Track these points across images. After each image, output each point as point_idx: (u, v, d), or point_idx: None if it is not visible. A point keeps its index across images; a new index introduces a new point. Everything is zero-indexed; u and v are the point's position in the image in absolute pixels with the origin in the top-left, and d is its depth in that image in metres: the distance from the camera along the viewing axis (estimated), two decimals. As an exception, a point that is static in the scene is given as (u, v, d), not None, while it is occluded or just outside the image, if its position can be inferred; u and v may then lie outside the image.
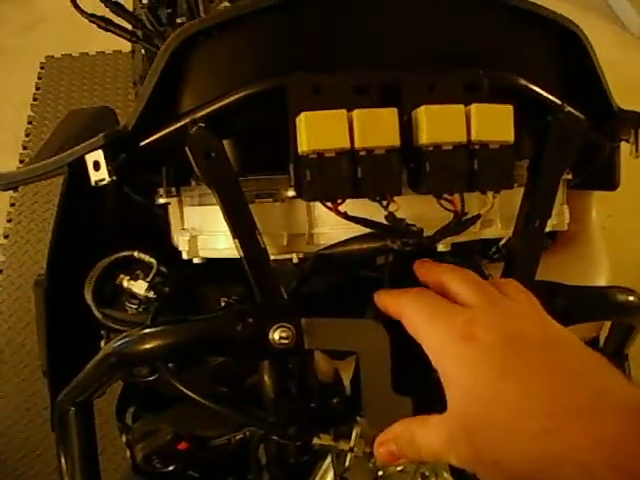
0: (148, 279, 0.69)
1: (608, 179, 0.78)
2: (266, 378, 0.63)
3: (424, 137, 0.55)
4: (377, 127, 0.54)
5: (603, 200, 0.85)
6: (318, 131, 0.53)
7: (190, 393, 0.62)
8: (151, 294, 0.69)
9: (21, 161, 2.54)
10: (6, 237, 2.35)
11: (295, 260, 0.62)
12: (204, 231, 0.65)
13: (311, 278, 0.63)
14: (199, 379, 0.68)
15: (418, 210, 0.59)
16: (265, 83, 0.57)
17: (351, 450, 0.61)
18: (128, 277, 0.70)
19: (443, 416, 0.50)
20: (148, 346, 0.60)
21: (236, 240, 0.58)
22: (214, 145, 0.58)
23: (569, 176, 0.71)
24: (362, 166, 0.54)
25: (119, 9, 1.39)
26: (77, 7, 1.38)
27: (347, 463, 0.63)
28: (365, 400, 0.58)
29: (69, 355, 0.73)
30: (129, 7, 1.56)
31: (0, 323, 2.13)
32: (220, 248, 0.64)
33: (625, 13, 3.28)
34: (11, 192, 2.42)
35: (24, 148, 2.61)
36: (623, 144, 0.74)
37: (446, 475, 0.67)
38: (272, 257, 0.60)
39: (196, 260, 0.66)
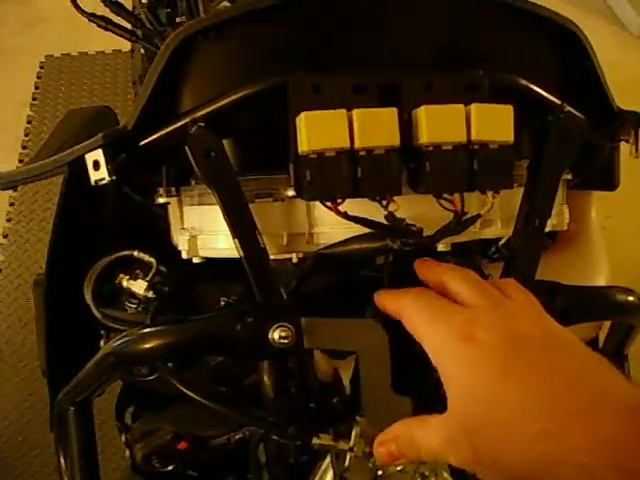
0: (147, 279, 0.69)
1: (608, 179, 0.78)
2: (266, 378, 0.63)
3: (424, 137, 0.55)
4: (377, 127, 0.54)
5: (602, 200, 0.85)
6: (318, 131, 0.53)
7: (190, 393, 0.61)
8: (150, 294, 0.69)
9: (20, 160, 2.54)
10: (5, 237, 2.35)
11: (295, 260, 0.62)
12: (204, 231, 0.65)
13: (311, 278, 0.63)
14: (199, 379, 0.68)
15: (418, 210, 0.59)
16: (265, 83, 0.57)
17: (351, 450, 0.61)
18: (127, 277, 0.70)
19: (443, 416, 0.50)
20: (147, 346, 0.60)
21: (236, 240, 0.58)
22: (214, 144, 0.58)
23: (569, 176, 0.71)
24: (362, 166, 0.54)
25: (119, 9, 1.39)
26: (77, 7, 1.39)
27: (347, 463, 0.63)
28: (365, 400, 0.58)
29: (68, 355, 0.73)
30: (129, 7, 1.56)
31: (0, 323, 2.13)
32: (220, 248, 0.64)
33: (625, 14, 3.28)
34: (10, 191, 2.42)
35: (23, 148, 2.61)
36: (623, 144, 0.74)
37: (445, 475, 0.67)
38: (272, 257, 0.59)
39: (196, 260, 0.66)
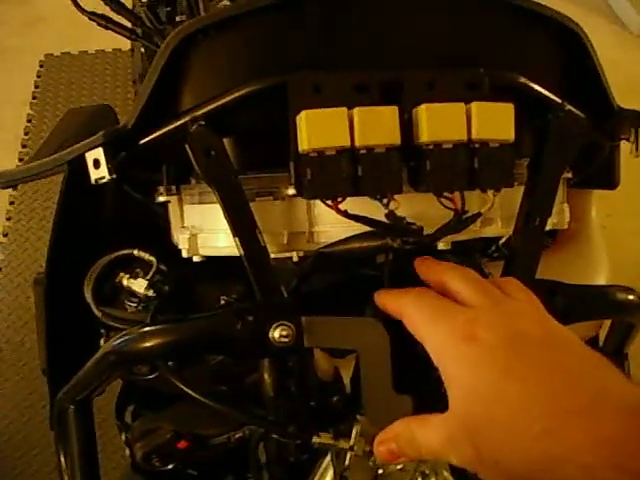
0: (148, 277, 0.69)
1: (608, 178, 0.78)
2: (266, 376, 0.63)
3: (424, 135, 0.55)
4: (377, 125, 0.54)
5: (603, 199, 0.85)
6: (318, 129, 0.53)
7: (190, 391, 0.61)
8: (151, 292, 0.69)
9: (20, 159, 2.54)
10: (5, 235, 2.35)
11: (295, 258, 0.62)
12: (204, 229, 0.65)
13: (311, 276, 0.63)
14: (199, 377, 0.68)
15: (418, 208, 0.59)
16: (265, 81, 0.57)
17: (351, 449, 0.61)
18: (128, 275, 0.70)
19: (444, 416, 0.50)
20: (148, 344, 0.60)
21: (236, 238, 0.58)
22: (214, 143, 0.58)
23: (569, 175, 0.71)
24: (362, 164, 0.54)
25: (119, 7, 1.39)
26: (77, 5, 1.38)
27: (347, 462, 0.63)
28: (365, 398, 0.58)
29: (68, 353, 0.73)
30: (129, 5, 1.56)
31: (-1, 321, 2.13)
32: (220, 246, 0.64)
33: (625, 13, 3.28)
34: (10, 190, 2.42)
35: (23, 147, 2.61)
36: (623, 143, 0.74)
37: (446, 474, 0.67)
38: (272, 255, 0.59)
39: (196, 258, 0.66)
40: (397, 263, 0.61)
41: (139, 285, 0.69)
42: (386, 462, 0.60)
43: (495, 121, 0.56)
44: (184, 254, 0.67)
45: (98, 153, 0.60)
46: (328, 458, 0.68)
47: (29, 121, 2.72)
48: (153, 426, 0.79)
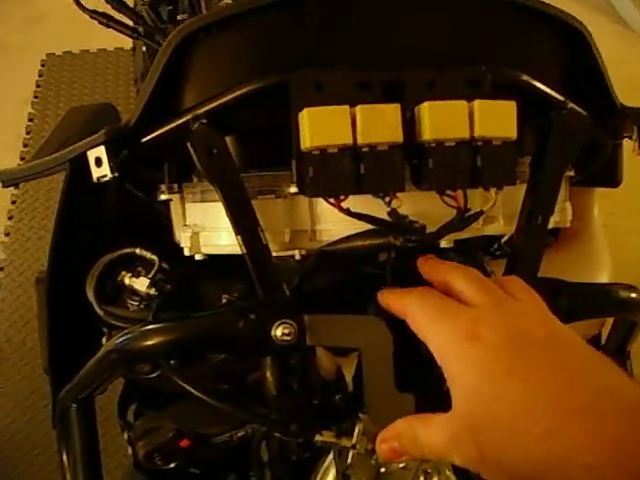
0: (150, 276, 0.69)
1: (610, 176, 0.78)
2: (268, 375, 0.63)
3: (427, 133, 0.55)
4: (380, 123, 0.53)
5: (605, 198, 0.85)
6: (321, 127, 0.53)
7: (192, 390, 0.61)
8: (153, 291, 0.69)
9: (22, 158, 2.54)
10: (7, 235, 2.35)
11: (297, 257, 0.62)
12: (206, 227, 0.65)
13: (313, 275, 0.63)
14: (201, 376, 0.68)
15: (421, 206, 0.59)
16: (267, 79, 0.57)
17: (353, 447, 0.61)
18: (130, 274, 0.70)
19: (447, 415, 0.50)
20: (150, 343, 0.60)
21: (238, 236, 0.58)
22: (216, 141, 0.58)
23: (571, 173, 0.71)
24: (365, 162, 0.54)
25: (120, 6, 1.39)
26: (79, 4, 1.38)
27: (349, 460, 0.63)
28: (367, 397, 0.58)
29: (70, 352, 0.73)
30: (130, 4, 1.55)
31: (1, 321, 2.13)
32: (222, 244, 0.64)
33: (628, 12, 3.27)
34: (12, 189, 2.42)
35: (25, 146, 2.61)
36: (625, 141, 0.74)
37: (448, 473, 0.67)
38: (274, 254, 0.59)
39: (198, 257, 0.66)
40: (399, 261, 0.61)
41: (141, 284, 0.69)
42: (388, 460, 0.60)
43: (497, 119, 0.56)
44: (186, 252, 0.67)
45: (100, 151, 0.60)
46: (330, 456, 0.68)
47: (30, 120, 2.72)
48: (155, 425, 0.79)
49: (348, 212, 0.56)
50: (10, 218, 2.39)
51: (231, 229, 0.59)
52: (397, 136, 0.54)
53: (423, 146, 0.55)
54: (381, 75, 0.56)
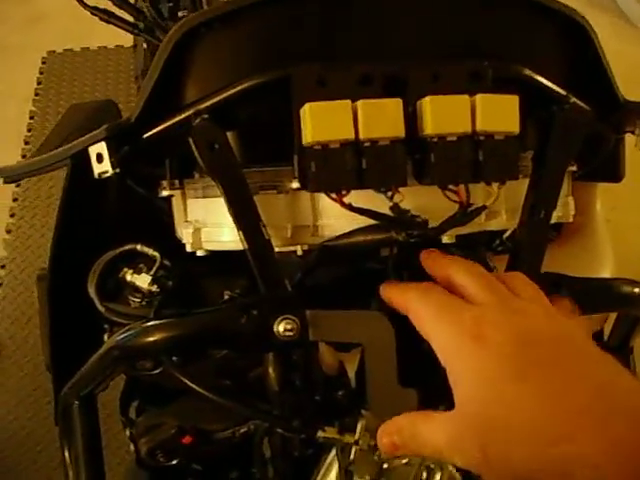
0: (151, 272, 0.69)
1: (613, 171, 0.77)
2: (270, 371, 0.63)
3: (429, 128, 0.54)
4: (382, 118, 0.53)
5: (607, 193, 0.85)
6: (322, 122, 0.53)
7: (194, 386, 0.61)
8: (154, 288, 0.69)
9: (23, 156, 2.54)
10: (9, 232, 2.35)
11: (299, 252, 0.62)
12: (208, 223, 0.65)
13: (315, 270, 0.63)
14: (203, 372, 0.68)
15: (423, 201, 0.59)
16: (269, 74, 0.57)
17: (356, 443, 0.61)
18: (131, 270, 0.70)
19: (450, 414, 0.50)
20: (152, 339, 0.60)
21: (240, 232, 0.58)
22: (218, 136, 0.58)
23: (574, 167, 0.71)
24: (367, 157, 0.54)
25: (121, 2, 1.38)
26: (79, 0, 1.38)
27: (352, 456, 0.63)
28: (370, 392, 0.58)
29: (72, 349, 0.73)
30: (131, 0, 1.55)
31: (3, 318, 2.13)
32: (224, 240, 0.64)
33: (629, 7, 3.27)
34: (13, 187, 2.43)
35: (26, 143, 2.61)
36: (627, 136, 0.73)
37: (451, 469, 0.67)
38: (276, 249, 0.59)
39: (200, 253, 0.66)
40: (402, 256, 0.61)
41: (143, 280, 0.69)
42: (389, 453, 0.60)
43: (500, 113, 0.56)
44: (188, 249, 0.67)
45: (101, 147, 0.60)
46: (333, 452, 0.68)
47: (32, 118, 2.72)
48: (157, 421, 0.79)
49: (350, 207, 0.56)
50: (12, 216, 2.39)
51: (233, 225, 0.58)
52: (399, 131, 0.54)
53: (425, 141, 0.55)
54: (383, 70, 0.56)
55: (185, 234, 0.66)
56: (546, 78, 0.62)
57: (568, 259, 0.81)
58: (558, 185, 0.63)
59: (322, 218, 0.62)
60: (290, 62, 0.57)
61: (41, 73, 2.90)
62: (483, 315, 0.51)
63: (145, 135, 0.61)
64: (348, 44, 0.60)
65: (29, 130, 2.67)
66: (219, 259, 0.66)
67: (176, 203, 0.69)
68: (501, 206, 0.64)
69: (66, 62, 2.94)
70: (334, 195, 0.56)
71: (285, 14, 0.60)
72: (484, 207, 0.59)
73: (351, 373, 0.66)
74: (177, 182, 0.66)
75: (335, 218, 0.61)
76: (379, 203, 0.56)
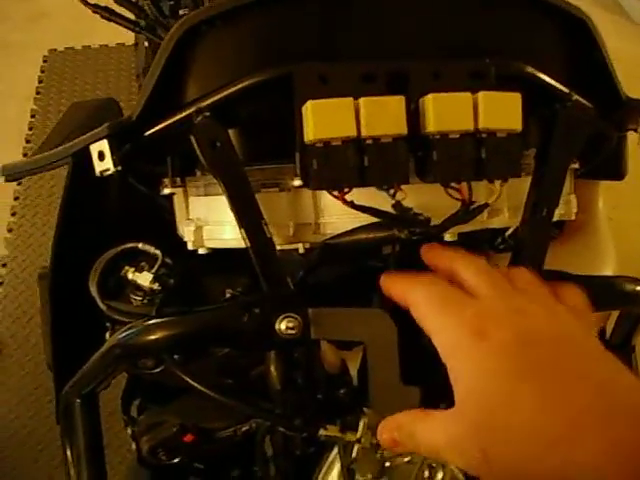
0: (153, 271, 0.69)
1: (615, 168, 0.77)
2: (272, 369, 0.63)
3: (431, 125, 0.54)
4: (384, 115, 0.53)
5: (609, 191, 0.85)
6: (324, 119, 0.53)
7: (196, 385, 0.61)
8: (156, 286, 0.69)
9: (24, 154, 2.54)
10: (10, 231, 2.35)
11: (301, 250, 0.62)
12: (210, 221, 0.65)
13: (318, 268, 0.63)
14: (205, 371, 0.68)
15: (425, 199, 0.59)
16: (271, 72, 0.57)
17: (358, 441, 0.61)
18: (133, 269, 0.70)
19: (450, 413, 0.49)
20: (153, 337, 0.60)
21: (242, 230, 0.58)
22: (219, 134, 0.58)
23: (576, 165, 0.71)
24: (369, 155, 0.53)
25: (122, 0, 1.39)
26: (81, -2, 1.38)
27: (354, 454, 0.63)
28: (372, 391, 0.58)
29: (74, 348, 0.73)
30: (132, -2, 1.55)
31: (4, 317, 2.13)
32: (226, 238, 0.64)
33: (630, 5, 3.27)
34: (15, 186, 2.43)
35: (27, 142, 2.62)
36: (630, 133, 0.73)
37: (453, 467, 0.67)
38: (278, 247, 0.59)
39: (201, 251, 0.66)
40: (404, 254, 0.61)
41: (144, 278, 0.69)
42: (388, 449, 0.60)
43: (502, 111, 0.55)
44: (189, 247, 0.66)
45: (103, 145, 0.60)
46: (335, 451, 0.68)
47: (33, 116, 2.72)
48: (159, 420, 0.79)
49: (352, 205, 0.56)
50: (13, 214, 2.39)
51: (235, 223, 0.58)
52: (401, 128, 0.54)
53: (427, 138, 0.55)
54: (385, 67, 0.56)
55: (187, 232, 0.66)
56: (548, 75, 0.62)
57: (570, 257, 0.81)
58: (560, 183, 0.63)
59: (324, 216, 0.62)
60: (292, 60, 0.57)
61: (42, 71, 2.90)
62: (485, 311, 0.50)
63: (147, 133, 0.60)
64: (350, 42, 0.59)
65: (30, 129, 2.67)
66: (221, 257, 0.66)
67: (178, 201, 0.69)
68: (503, 204, 0.64)
69: (67, 60, 2.94)
70: (336, 193, 0.56)
71: (287, 12, 0.60)
72: (486, 205, 0.59)
73: (353, 371, 0.66)
74: (179, 180, 0.66)
75: (337, 216, 0.61)
76: (381, 201, 0.56)
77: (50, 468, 1.81)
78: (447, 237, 0.60)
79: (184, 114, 0.59)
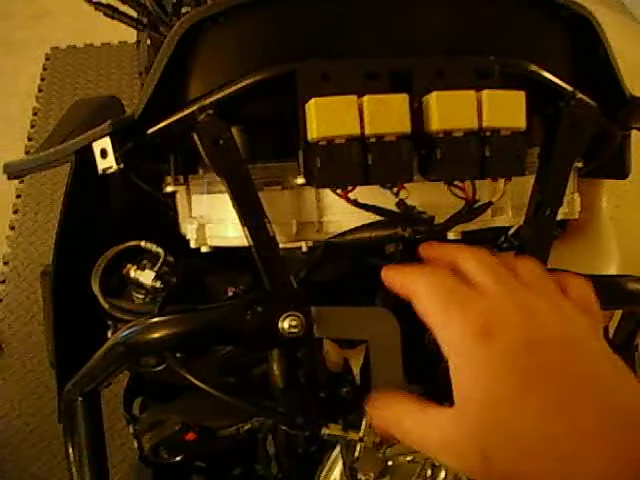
0: (155, 269, 0.69)
1: (619, 167, 0.77)
2: (275, 367, 0.63)
3: (435, 123, 0.54)
4: (387, 113, 0.53)
5: (611, 191, 0.84)
6: (328, 117, 0.52)
7: (198, 383, 0.61)
8: (158, 284, 0.69)
9: (26, 152, 2.54)
10: (12, 229, 2.35)
11: (304, 248, 0.61)
12: (212, 219, 0.65)
13: (320, 266, 0.63)
14: (207, 369, 0.68)
15: (429, 197, 0.59)
16: (275, 69, 0.57)
17: (361, 440, 0.60)
18: (135, 267, 0.70)
19: (449, 412, 0.48)
20: (156, 335, 0.60)
21: (245, 228, 0.58)
22: (222, 132, 0.57)
23: (580, 164, 0.70)
24: (372, 153, 0.53)
25: (125, -3, 1.39)
26: (83, -5, 1.38)
27: (356, 453, 0.63)
28: (375, 389, 0.58)
29: (76, 346, 0.72)
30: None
31: (7, 314, 2.13)
32: (228, 236, 0.63)
33: (634, 5, 3.26)
34: (17, 183, 2.43)
35: (29, 139, 2.62)
36: (633, 132, 0.73)
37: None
38: (281, 245, 0.59)
39: (204, 249, 0.66)
40: (407, 253, 0.61)
41: (146, 277, 0.69)
42: (378, 429, 0.58)
43: (506, 109, 0.55)
44: (192, 245, 0.66)
45: (105, 143, 0.59)
46: (337, 450, 0.68)
47: (35, 114, 2.72)
48: (161, 418, 0.79)
49: (355, 203, 0.56)
50: (15, 212, 2.39)
51: (237, 221, 0.58)
52: (405, 126, 0.53)
53: (431, 136, 0.55)
54: (389, 65, 0.55)
55: (189, 230, 0.66)
56: (552, 74, 0.62)
57: (573, 256, 0.81)
58: (564, 182, 0.63)
59: (327, 214, 0.61)
60: (295, 57, 0.56)
61: (45, 69, 2.90)
62: (492, 309, 0.49)
63: (149, 131, 0.60)
64: (354, 39, 0.59)
65: (32, 126, 2.67)
66: (223, 255, 0.66)
67: (180, 199, 0.69)
68: (507, 203, 0.64)
69: (70, 58, 2.94)
70: (339, 191, 0.56)
71: (289, 9, 0.59)
72: (490, 203, 0.59)
73: (356, 370, 0.65)
74: (181, 178, 0.66)
75: (340, 214, 0.61)
76: (385, 199, 0.56)
77: (52, 466, 1.81)
78: (451, 236, 0.60)
79: (187, 112, 0.59)
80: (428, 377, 0.57)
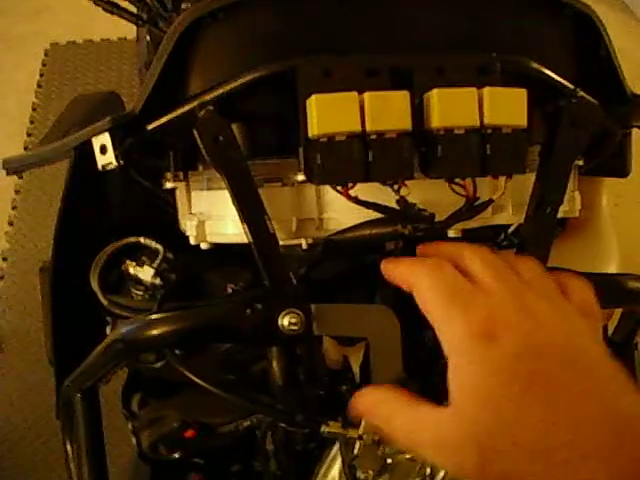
0: (154, 265, 0.69)
1: (619, 165, 0.77)
2: (274, 365, 0.63)
3: (436, 120, 0.54)
4: (388, 110, 0.53)
5: (610, 189, 0.84)
6: (329, 114, 0.52)
7: (197, 380, 0.61)
8: (157, 281, 0.68)
9: (25, 148, 2.53)
10: (11, 224, 2.35)
11: (304, 245, 0.61)
12: (212, 216, 0.65)
13: (320, 264, 0.62)
14: (206, 366, 0.68)
15: (429, 195, 0.59)
16: (275, 66, 0.56)
17: (360, 438, 0.60)
18: (134, 263, 0.69)
19: (445, 411, 0.48)
20: (155, 332, 0.59)
21: (245, 225, 0.57)
22: (222, 128, 0.57)
23: (580, 162, 0.70)
24: (373, 150, 0.53)
25: (125, -7, 1.38)
26: (83, -9, 1.38)
27: (356, 451, 0.62)
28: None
29: (75, 342, 0.72)
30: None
31: (5, 310, 2.13)
32: (228, 233, 0.63)
33: (635, 3, 3.26)
34: (16, 179, 2.42)
35: (28, 135, 2.61)
36: (634, 131, 0.73)
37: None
38: (281, 242, 0.59)
39: (204, 245, 0.66)
40: (407, 250, 0.60)
41: (146, 273, 0.69)
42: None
43: (507, 106, 0.55)
44: (192, 241, 0.66)
45: (105, 139, 0.59)
46: (336, 447, 0.68)
47: (34, 109, 2.72)
48: (160, 415, 0.79)
49: (356, 200, 0.56)
50: (14, 208, 2.39)
51: (237, 217, 0.58)
52: (406, 123, 0.53)
53: (432, 134, 0.55)
54: (390, 61, 0.55)
55: (189, 227, 0.66)
56: (554, 71, 0.62)
57: (573, 254, 0.80)
58: (565, 180, 0.63)
59: (327, 211, 0.61)
60: (296, 53, 0.56)
61: (44, 65, 2.89)
62: (494, 309, 0.49)
63: (149, 127, 0.60)
64: (355, 36, 0.59)
65: (31, 122, 2.66)
66: (223, 252, 0.66)
67: (180, 195, 0.69)
68: (508, 200, 0.63)
69: (69, 54, 2.93)
70: (340, 188, 0.55)
71: (290, 5, 0.59)
72: (491, 201, 0.59)
73: (355, 367, 0.65)
74: (181, 174, 0.66)
75: (340, 211, 0.60)
76: (385, 196, 0.56)
77: (51, 462, 1.82)
78: (451, 233, 0.60)
79: (187, 108, 0.59)
80: (425, 374, 0.57)
